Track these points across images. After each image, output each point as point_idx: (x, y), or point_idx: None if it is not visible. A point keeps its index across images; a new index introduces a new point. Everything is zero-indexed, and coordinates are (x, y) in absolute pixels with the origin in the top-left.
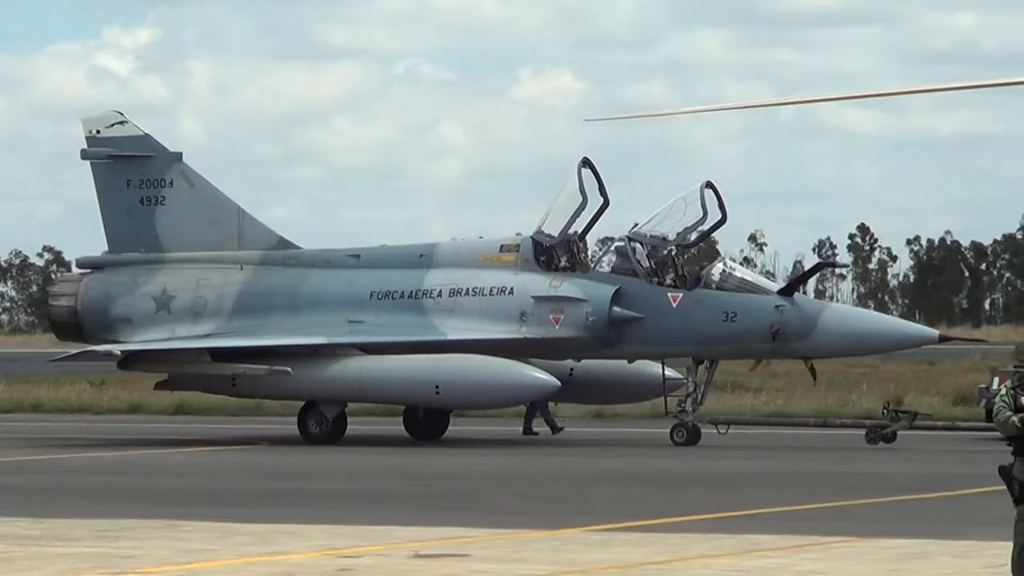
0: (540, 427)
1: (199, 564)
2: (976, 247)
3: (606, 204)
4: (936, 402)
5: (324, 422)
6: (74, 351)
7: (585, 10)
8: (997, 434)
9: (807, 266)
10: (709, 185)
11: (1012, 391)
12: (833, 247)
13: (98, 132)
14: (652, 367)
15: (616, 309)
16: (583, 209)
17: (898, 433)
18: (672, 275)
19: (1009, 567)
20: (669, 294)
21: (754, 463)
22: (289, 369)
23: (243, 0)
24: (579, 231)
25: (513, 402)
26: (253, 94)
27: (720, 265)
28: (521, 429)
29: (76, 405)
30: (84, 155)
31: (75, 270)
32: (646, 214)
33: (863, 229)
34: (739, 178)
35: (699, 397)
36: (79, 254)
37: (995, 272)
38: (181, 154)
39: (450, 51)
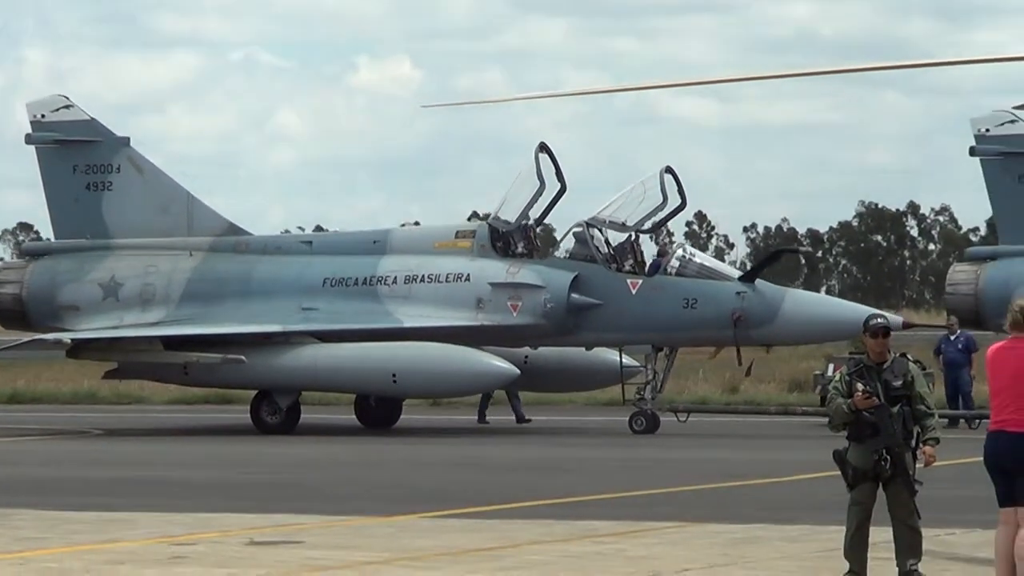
0: (499, 415)
1: (30, 552)
2: (812, 234)
3: (563, 189)
4: (771, 389)
5: (278, 411)
6: (26, 339)
7: None
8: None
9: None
10: (668, 170)
11: (848, 377)
12: (670, 234)
13: (43, 116)
14: (607, 354)
15: (575, 296)
16: (540, 195)
17: None
18: (631, 261)
19: (841, 551)
20: (628, 280)
21: (598, 450)
22: (243, 358)
23: None
24: (536, 217)
25: (471, 391)
26: (88, 83)
27: (679, 251)
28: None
29: None
30: (29, 140)
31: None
32: (484, 202)
33: (700, 217)
34: (575, 166)
35: (658, 385)
36: None
37: (831, 259)
38: (128, 139)
39: (287, 39)
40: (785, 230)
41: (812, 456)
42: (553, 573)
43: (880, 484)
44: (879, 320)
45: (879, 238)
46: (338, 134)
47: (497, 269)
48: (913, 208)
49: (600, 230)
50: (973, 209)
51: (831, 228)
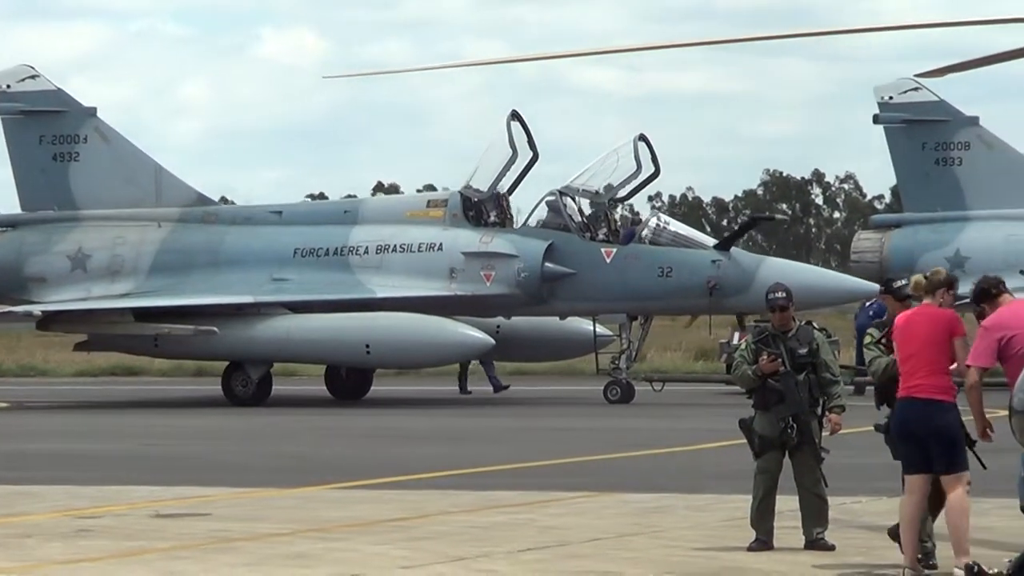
0: (477, 386)
1: None
2: (718, 203)
3: (535, 158)
4: (677, 357)
5: (249, 383)
6: None
7: None
8: (738, 388)
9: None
10: (642, 138)
11: (754, 345)
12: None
13: (8, 87)
14: (580, 323)
15: (548, 265)
16: (513, 163)
17: None
18: (605, 230)
19: (748, 519)
20: (602, 249)
21: (504, 420)
22: (215, 329)
23: None
24: (508, 186)
25: (446, 361)
26: None
27: (654, 219)
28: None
29: None
30: None
31: None
32: (388, 172)
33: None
34: (481, 136)
35: (633, 354)
36: None
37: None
38: (95, 109)
39: (189, 9)
40: (690, 199)
41: (721, 424)
42: (461, 544)
43: (786, 452)
44: (776, 297)
45: (784, 206)
46: (241, 105)
47: (470, 238)
48: (818, 176)
49: (573, 199)
50: (877, 177)
51: (736, 196)
